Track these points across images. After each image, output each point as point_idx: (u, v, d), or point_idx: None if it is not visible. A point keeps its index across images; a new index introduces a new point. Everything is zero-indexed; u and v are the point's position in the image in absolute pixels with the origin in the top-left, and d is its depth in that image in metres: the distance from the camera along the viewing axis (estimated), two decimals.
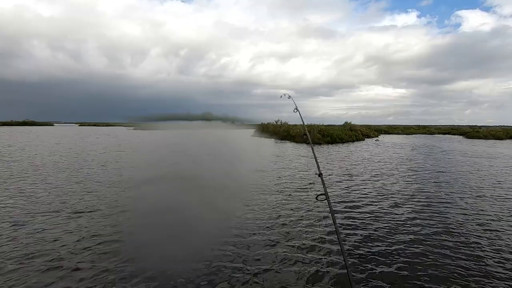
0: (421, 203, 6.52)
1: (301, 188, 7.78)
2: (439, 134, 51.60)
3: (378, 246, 4.32)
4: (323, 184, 1.65)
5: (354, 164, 12.29)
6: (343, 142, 25.27)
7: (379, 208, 6.15)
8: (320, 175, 1.68)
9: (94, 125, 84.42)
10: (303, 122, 3.42)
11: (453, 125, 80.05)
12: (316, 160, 2.22)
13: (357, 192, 7.50)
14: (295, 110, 3.51)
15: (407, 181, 8.98)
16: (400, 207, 6.26)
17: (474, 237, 4.66)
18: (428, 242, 4.46)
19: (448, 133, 52.21)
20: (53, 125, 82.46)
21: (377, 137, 35.90)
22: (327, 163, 12.56)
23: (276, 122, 32.08)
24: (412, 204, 6.49)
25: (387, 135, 42.78)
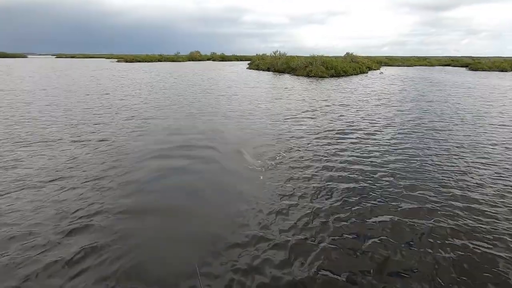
0: None
1: None
2: (439, 66, 49.48)
3: None
4: None
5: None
6: (347, 75, 23.55)
7: None
8: None
9: (72, 57, 77.26)
10: None
11: (450, 56, 76.62)
12: None
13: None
14: None
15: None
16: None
17: None
18: None
19: (448, 65, 50.02)
20: (26, 57, 74.59)
21: (380, 69, 33.98)
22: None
23: (275, 53, 29.44)
24: None
25: (389, 67, 40.66)
